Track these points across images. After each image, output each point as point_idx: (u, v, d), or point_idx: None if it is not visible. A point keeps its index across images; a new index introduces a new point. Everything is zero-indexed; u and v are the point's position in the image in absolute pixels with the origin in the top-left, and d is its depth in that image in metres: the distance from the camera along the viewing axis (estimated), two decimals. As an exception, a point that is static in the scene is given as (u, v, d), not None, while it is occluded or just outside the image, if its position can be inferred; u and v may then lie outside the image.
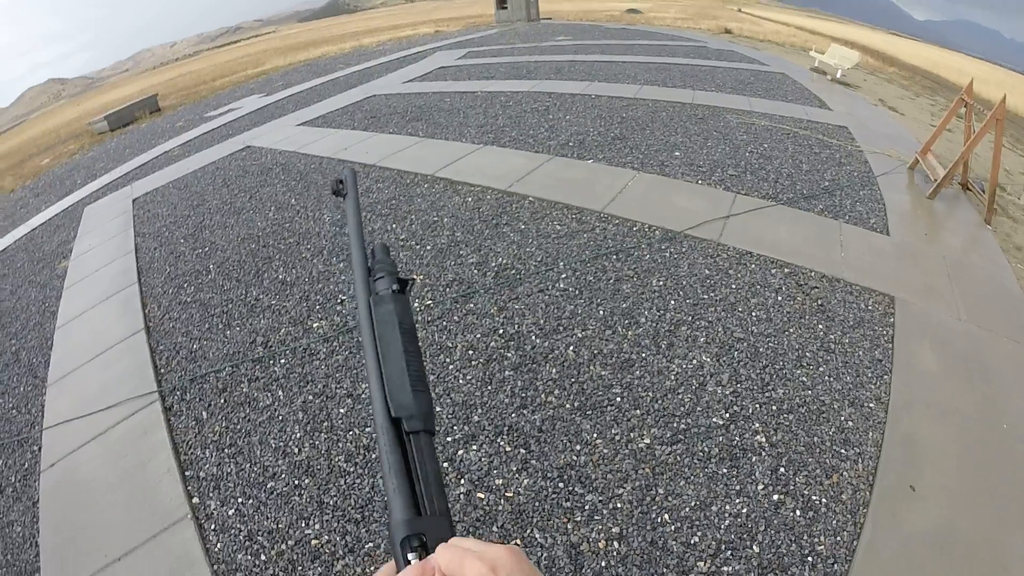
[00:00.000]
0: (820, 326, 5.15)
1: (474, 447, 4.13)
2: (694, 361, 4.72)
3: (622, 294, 5.64)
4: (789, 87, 14.18)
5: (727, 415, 4.21)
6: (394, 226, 7.46)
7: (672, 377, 4.57)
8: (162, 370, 5.74)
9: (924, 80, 28.54)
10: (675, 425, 4.14)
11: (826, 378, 4.58)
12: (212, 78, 34.87)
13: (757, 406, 4.29)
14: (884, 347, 4.95)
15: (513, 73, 16.37)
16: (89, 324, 7.10)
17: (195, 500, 4.22)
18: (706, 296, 5.54)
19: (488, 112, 12.30)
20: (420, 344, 0.89)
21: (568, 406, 4.38)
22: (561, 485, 3.81)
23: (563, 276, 6.00)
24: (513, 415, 4.36)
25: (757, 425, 4.13)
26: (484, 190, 8.18)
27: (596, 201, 7.47)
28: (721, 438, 4.03)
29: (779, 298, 5.50)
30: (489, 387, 4.65)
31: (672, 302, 5.47)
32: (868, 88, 16.28)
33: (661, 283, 5.76)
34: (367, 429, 4.45)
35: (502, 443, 4.13)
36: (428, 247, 6.86)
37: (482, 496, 3.81)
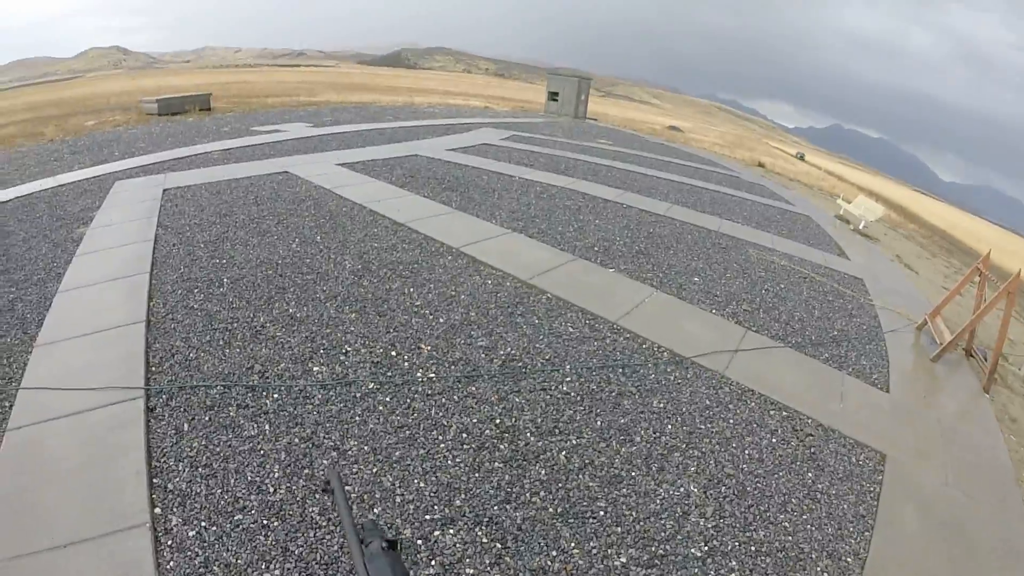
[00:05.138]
0: (810, 474, 5.19)
1: (451, 531, 4.12)
2: (682, 489, 4.75)
3: (622, 409, 5.68)
4: (812, 231, 14.50)
5: (706, 548, 4.22)
6: (411, 291, 7.57)
7: (658, 501, 4.59)
8: (153, 368, 5.69)
9: (942, 241, 29.15)
10: (653, 549, 4.15)
11: (808, 526, 4.60)
12: (265, 94, 35.72)
13: (737, 544, 4.30)
14: (869, 503, 5.00)
15: (552, 166, 16.85)
16: (92, 298, 7.08)
17: (157, 511, 4.12)
18: (703, 427, 5.59)
19: (521, 199, 12.61)
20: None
21: (551, 510, 4.39)
22: (532, 588, 3.80)
23: (567, 379, 6.06)
24: (496, 508, 4.37)
25: (734, 563, 4.13)
26: (505, 276, 8.33)
27: (612, 311, 7.60)
28: (696, 570, 4.02)
29: (774, 440, 5.55)
30: (476, 474, 4.66)
31: (669, 426, 5.52)
32: (888, 242, 16.63)
33: (661, 406, 5.82)
34: (347, 487, 4.44)
35: (480, 533, 4.12)
36: (441, 320, 6.94)
37: (451, 583, 3.79)
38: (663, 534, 4.29)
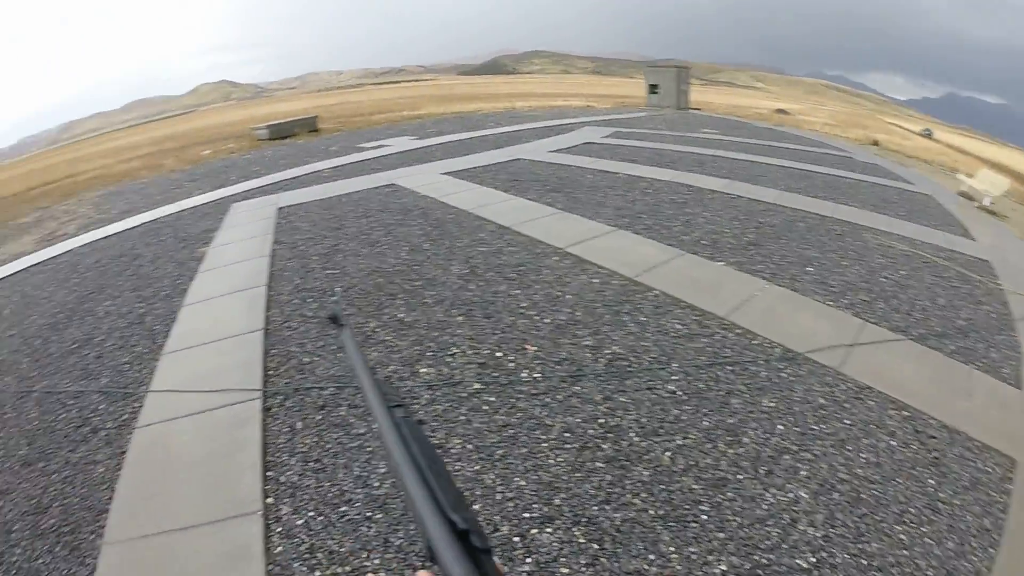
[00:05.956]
0: (931, 481, 4.84)
1: (548, 529, 4.12)
2: (791, 494, 4.55)
3: (730, 408, 5.51)
4: (933, 210, 13.70)
5: (813, 559, 4.02)
6: (517, 292, 7.62)
7: (764, 507, 4.42)
8: (270, 372, 6.06)
9: (1082, 212, 27.01)
10: (756, 558, 4.00)
11: (927, 540, 4.29)
12: (370, 112, 36.73)
13: (847, 556, 4.07)
14: (995, 516, 4.59)
15: (656, 160, 16.52)
16: (214, 310, 7.65)
17: (269, 500, 4.40)
18: (816, 427, 5.33)
19: (627, 196, 12.47)
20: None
21: (652, 512, 4.31)
22: (627, 592, 3.74)
23: (674, 378, 5.94)
24: (595, 508, 4.33)
25: (843, 577, 3.93)
26: (611, 274, 8.24)
27: (720, 306, 7.39)
28: (802, 582, 3.86)
29: (893, 443, 5.22)
30: (578, 474, 4.64)
31: (780, 427, 5.30)
32: (1017, 219, 15.47)
33: (772, 405, 5.60)
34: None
35: (577, 533, 4.10)
36: (547, 320, 6.95)
37: (545, 582, 3.79)
38: (768, 542, 4.13)
